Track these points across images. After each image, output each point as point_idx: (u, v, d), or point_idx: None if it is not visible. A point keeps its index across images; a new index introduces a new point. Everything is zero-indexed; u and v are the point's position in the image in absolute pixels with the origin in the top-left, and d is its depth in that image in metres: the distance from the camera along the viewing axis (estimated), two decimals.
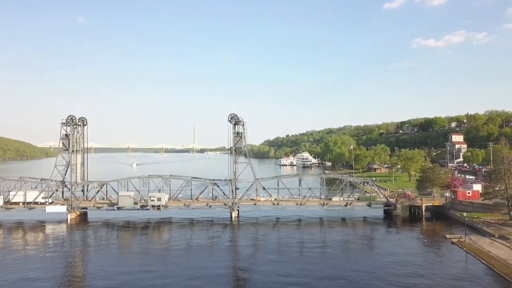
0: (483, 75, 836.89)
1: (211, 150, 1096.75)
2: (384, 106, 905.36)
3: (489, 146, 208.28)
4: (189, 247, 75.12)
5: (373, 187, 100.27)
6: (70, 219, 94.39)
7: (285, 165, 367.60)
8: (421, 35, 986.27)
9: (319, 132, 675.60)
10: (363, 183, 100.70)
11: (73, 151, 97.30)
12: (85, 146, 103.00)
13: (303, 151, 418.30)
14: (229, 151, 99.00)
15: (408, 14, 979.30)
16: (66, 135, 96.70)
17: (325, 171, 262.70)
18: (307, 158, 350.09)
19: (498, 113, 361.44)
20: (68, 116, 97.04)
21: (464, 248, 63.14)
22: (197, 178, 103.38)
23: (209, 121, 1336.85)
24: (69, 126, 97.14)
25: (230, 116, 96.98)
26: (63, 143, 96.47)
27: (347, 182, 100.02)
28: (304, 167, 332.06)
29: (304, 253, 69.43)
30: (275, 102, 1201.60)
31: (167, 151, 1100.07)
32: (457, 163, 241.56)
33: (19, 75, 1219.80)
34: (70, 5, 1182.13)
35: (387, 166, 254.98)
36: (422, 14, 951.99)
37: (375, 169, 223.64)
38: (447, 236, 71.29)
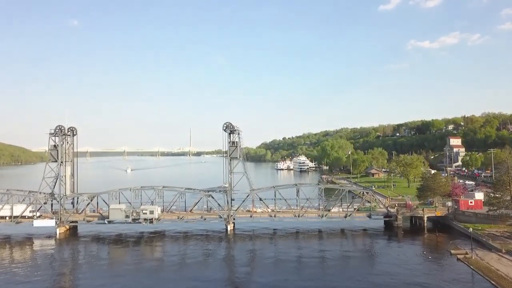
0: (479, 77, 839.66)
1: (207, 153, 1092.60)
2: (380, 109, 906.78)
3: (489, 151, 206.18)
4: (182, 262, 72.72)
5: (373, 197, 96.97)
6: (59, 233, 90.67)
7: (282, 169, 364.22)
8: (416, 37, 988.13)
9: (315, 134, 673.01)
10: (363, 193, 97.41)
11: (62, 162, 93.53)
12: (75, 157, 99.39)
13: (299, 155, 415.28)
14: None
15: (403, 16, 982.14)
16: (54, 146, 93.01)
17: (323, 176, 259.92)
18: (304, 162, 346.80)
19: (495, 116, 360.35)
20: (57, 126, 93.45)
21: (471, 266, 60.06)
22: (190, 189, 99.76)
23: (206, 124, 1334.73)
24: (57, 136, 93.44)
25: (225, 125, 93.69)
26: (51, 154, 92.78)
27: (346, 192, 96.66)
28: (301, 171, 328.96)
29: (301, 269, 67.26)
30: (271, 105, 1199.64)
31: (163, 154, 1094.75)
32: (455, 167, 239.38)
33: (13, 78, 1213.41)
34: (64, 9, 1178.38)
35: (385, 170, 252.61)
36: (416, 16, 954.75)
37: (373, 174, 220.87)
38: (452, 251, 68.18)
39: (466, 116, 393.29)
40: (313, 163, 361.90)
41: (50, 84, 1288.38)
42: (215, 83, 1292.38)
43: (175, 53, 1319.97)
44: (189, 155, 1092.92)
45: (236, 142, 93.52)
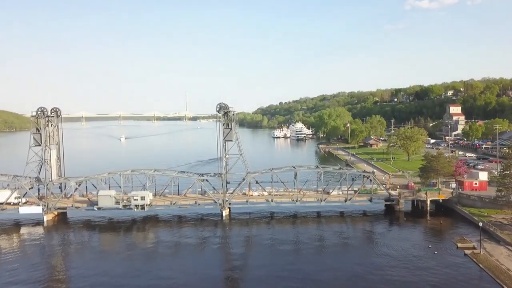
0: (478, 39, 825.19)
1: (203, 117, 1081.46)
2: (377, 72, 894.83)
3: (491, 121, 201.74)
4: (176, 249, 71.24)
5: (375, 180, 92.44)
6: (47, 220, 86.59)
7: (279, 137, 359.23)
8: None
9: (312, 99, 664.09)
10: (363, 177, 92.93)
11: (46, 146, 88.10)
12: (60, 139, 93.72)
13: (296, 121, 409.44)
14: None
15: None
16: (37, 129, 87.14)
17: (320, 146, 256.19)
18: (300, 130, 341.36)
19: (496, 81, 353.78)
20: (38, 108, 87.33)
21: (480, 265, 56.59)
22: (184, 172, 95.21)
23: (202, 87, 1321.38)
24: (40, 119, 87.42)
25: (218, 106, 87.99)
26: (34, 139, 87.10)
27: (346, 175, 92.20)
28: (298, 139, 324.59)
29: (299, 256, 65.57)
30: (268, 67, 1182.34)
31: (159, 119, 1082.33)
32: (454, 136, 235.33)
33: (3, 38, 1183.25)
34: None
35: (383, 139, 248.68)
36: None
37: (371, 145, 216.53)
38: (459, 245, 64.70)
39: (465, 81, 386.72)
40: (310, 130, 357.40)
41: (42, 46, 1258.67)
42: (211, 45, 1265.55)
43: (169, 15, 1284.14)
44: (185, 120, 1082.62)
45: (231, 123, 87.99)
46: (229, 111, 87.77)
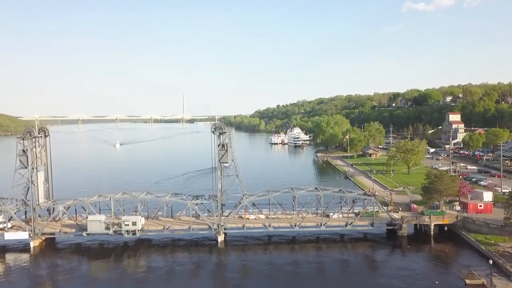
0: (476, 41, 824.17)
1: (200, 120, 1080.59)
2: (375, 75, 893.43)
3: (491, 129, 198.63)
4: (169, 277, 68.79)
5: (376, 202, 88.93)
6: (34, 246, 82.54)
7: (276, 143, 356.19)
8: None
9: (310, 102, 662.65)
10: (365, 200, 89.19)
11: (33, 168, 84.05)
12: (48, 159, 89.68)
13: (294, 126, 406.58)
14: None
15: None
16: (23, 151, 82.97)
17: (318, 154, 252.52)
18: (298, 137, 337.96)
19: (494, 87, 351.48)
20: (25, 129, 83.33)
21: None
22: (177, 194, 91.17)
23: (199, 90, 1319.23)
24: (27, 140, 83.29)
25: (213, 127, 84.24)
26: (20, 161, 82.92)
27: (347, 198, 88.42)
28: (296, 146, 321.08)
29: (297, 283, 64.11)
30: (265, 71, 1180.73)
31: (156, 121, 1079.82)
32: (454, 144, 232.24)
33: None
34: None
35: (381, 147, 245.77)
36: None
37: (370, 155, 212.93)
38: (467, 281, 61.11)
39: (463, 85, 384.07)
40: (308, 136, 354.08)
41: (40, 47, 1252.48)
42: (209, 47, 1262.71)
43: (168, 16, 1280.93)
44: (182, 122, 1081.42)
45: (226, 144, 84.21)
46: (224, 132, 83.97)
